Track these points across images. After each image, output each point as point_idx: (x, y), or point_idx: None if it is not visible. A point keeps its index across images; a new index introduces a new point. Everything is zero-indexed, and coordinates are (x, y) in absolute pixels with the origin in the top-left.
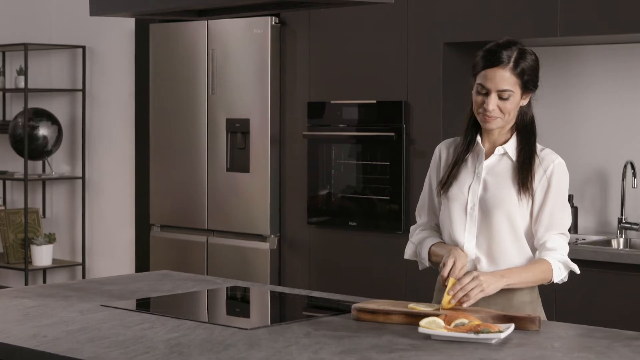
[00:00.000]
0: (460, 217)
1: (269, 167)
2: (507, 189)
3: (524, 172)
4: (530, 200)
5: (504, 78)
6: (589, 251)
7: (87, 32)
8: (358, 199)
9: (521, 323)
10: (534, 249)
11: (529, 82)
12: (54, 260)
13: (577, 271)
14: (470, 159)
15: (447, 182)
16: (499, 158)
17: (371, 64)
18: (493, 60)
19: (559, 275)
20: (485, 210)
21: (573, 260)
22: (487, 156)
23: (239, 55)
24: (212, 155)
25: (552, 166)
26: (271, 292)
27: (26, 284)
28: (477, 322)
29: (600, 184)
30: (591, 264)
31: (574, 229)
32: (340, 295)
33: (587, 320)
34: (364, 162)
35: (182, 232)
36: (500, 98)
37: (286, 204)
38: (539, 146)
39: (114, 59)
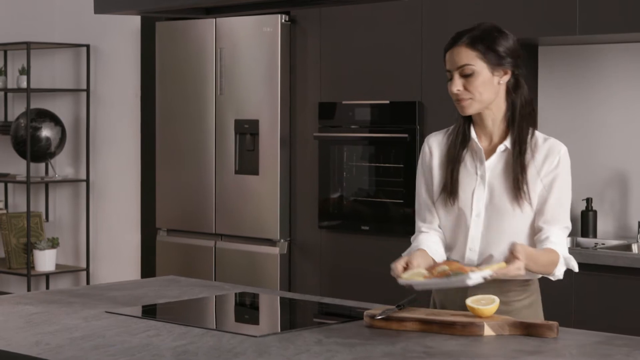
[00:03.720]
0: (462, 224)
1: (279, 169)
2: (513, 193)
3: (520, 176)
4: (530, 203)
5: (460, 53)
6: (609, 256)
7: (92, 31)
8: (370, 202)
9: (539, 330)
10: (533, 244)
11: (491, 54)
12: (57, 266)
13: (576, 269)
14: (468, 157)
15: (450, 187)
16: (500, 156)
17: (384, 63)
18: (452, 42)
19: (560, 270)
20: (492, 217)
21: (590, 265)
22: (487, 154)
23: (247, 54)
24: (220, 157)
25: (558, 158)
26: (281, 298)
27: (29, 289)
28: (457, 266)
29: (620, 186)
30: (611, 270)
31: (592, 233)
32: (352, 301)
33: (607, 327)
34: (377, 165)
35: (189, 237)
36: (463, 76)
37: (296, 208)
38: (542, 136)
39: (119, 58)
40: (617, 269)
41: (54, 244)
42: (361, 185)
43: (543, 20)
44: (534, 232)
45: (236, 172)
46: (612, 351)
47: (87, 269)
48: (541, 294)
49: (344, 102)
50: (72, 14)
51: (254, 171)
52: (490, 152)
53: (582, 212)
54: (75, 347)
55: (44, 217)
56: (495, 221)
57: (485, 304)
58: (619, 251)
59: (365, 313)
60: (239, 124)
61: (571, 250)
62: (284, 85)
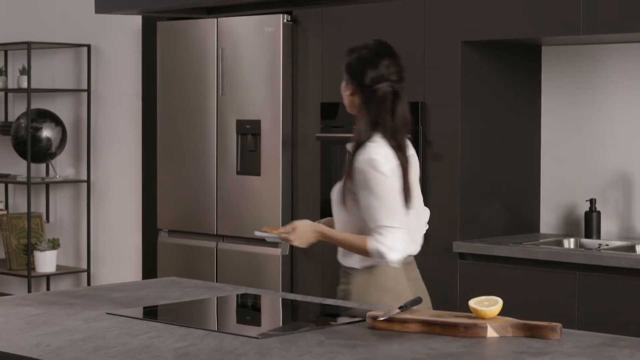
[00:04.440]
0: None
1: (281, 170)
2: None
3: (340, 177)
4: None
5: None
6: (612, 257)
7: (92, 30)
8: None
9: (542, 332)
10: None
11: (347, 71)
12: (57, 267)
13: (390, 262)
14: None
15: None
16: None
17: None
18: None
19: (374, 256)
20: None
21: (594, 266)
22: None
23: (249, 55)
24: (222, 157)
25: (358, 172)
26: (283, 299)
27: (29, 291)
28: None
29: (623, 187)
30: (614, 271)
31: (596, 234)
32: (354, 302)
33: (610, 328)
34: None
35: (191, 238)
36: None
37: (298, 208)
38: (369, 146)
39: (120, 58)
40: (621, 270)
41: (54, 244)
42: None
43: (546, 20)
44: (366, 229)
45: (238, 173)
46: (615, 352)
47: (88, 270)
48: (544, 294)
49: None
50: (72, 13)
51: (256, 172)
52: None
53: (586, 213)
54: (75, 348)
55: (44, 217)
56: (334, 211)
57: (488, 305)
58: (623, 252)
59: (367, 314)
60: (241, 125)
61: (574, 251)
62: (285, 85)
